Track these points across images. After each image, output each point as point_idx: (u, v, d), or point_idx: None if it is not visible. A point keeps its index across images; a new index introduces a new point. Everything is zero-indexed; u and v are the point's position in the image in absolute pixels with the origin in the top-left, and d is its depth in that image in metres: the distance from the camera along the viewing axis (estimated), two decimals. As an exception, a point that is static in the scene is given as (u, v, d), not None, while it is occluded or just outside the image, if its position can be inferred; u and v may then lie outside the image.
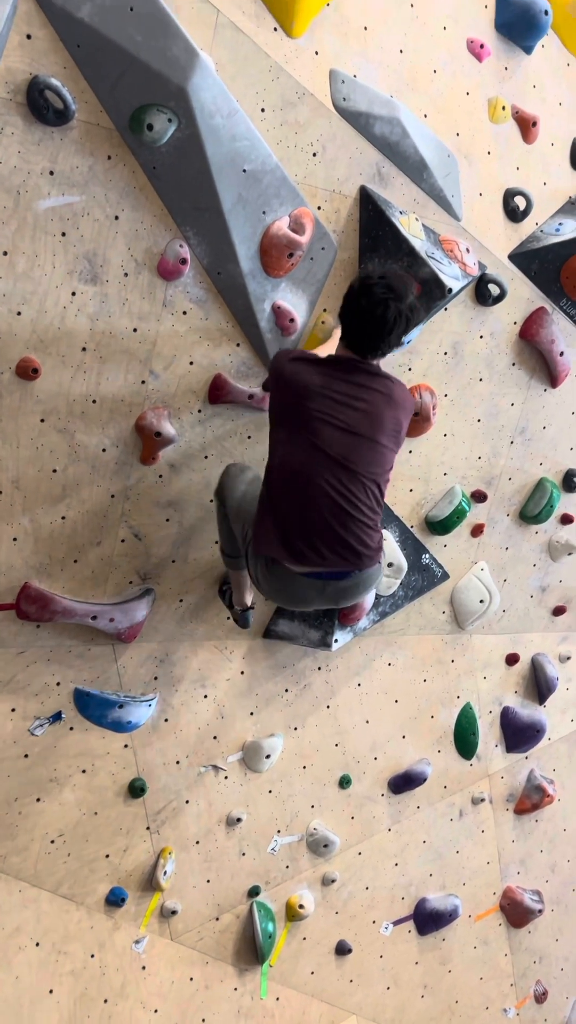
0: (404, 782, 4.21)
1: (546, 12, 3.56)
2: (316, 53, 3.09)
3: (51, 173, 2.72)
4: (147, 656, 3.41)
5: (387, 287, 2.58)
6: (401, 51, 3.32)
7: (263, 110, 3.00)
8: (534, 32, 3.61)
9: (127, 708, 3.34)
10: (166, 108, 2.72)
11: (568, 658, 4.83)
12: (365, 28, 3.21)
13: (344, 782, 4.03)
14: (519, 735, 4.61)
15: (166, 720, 3.51)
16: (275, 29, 2.98)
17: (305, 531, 2.73)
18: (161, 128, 2.74)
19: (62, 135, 2.70)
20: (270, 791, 3.83)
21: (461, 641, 4.36)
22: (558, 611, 4.72)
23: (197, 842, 3.67)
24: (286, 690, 3.80)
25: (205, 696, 3.59)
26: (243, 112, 2.87)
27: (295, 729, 3.85)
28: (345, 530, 2.73)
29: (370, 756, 4.11)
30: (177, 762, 3.56)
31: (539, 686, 4.66)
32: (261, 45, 2.95)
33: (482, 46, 3.54)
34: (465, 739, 4.42)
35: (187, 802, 3.62)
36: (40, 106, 2.62)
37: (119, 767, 3.42)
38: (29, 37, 2.58)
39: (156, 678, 3.45)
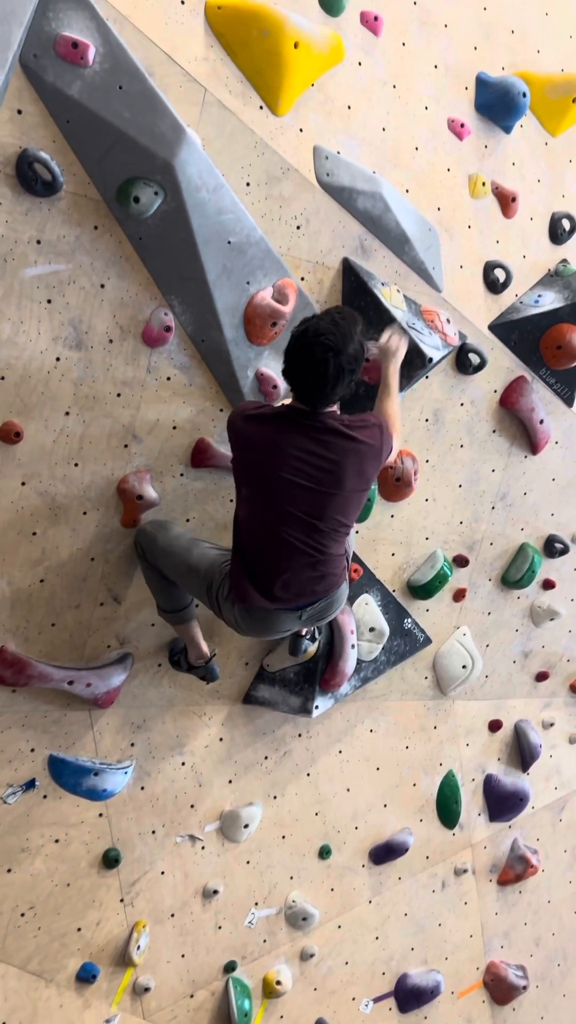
0: (385, 852, 4.13)
1: (524, 94, 3.69)
2: (301, 130, 3.18)
3: (38, 242, 2.76)
4: (124, 722, 3.36)
5: (325, 346, 2.51)
6: (384, 129, 3.42)
7: (248, 184, 3.07)
8: (513, 113, 3.73)
9: (103, 776, 3.28)
10: (153, 181, 2.78)
11: (551, 725, 4.79)
12: (348, 107, 3.31)
13: (324, 852, 3.95)
14: (502, 803, 4.54)
15: (142, 788, 3.44)
16: (261, 107, 3.06)
17: (278, 579, 2.78)
18: (148, 201, 2.79)
19: (50, 206, 2.75)
20: (248, 862, 3.75)
21: (444, 707, 4.32)
22: (541, 677, 4.70)
23: (172, 915, 3.57)
24: (266, 757, 3.74)
25: (183, 763, 3.53)
26: (228, 186, 2.94)
27: (274, 798, 3.79)
28: (314, 571, 2.80)
29: (351, 825, 4.04)
30: (153, 832, 3.49)
31: (522, 753, 4.62)
32: (247, 122, 3.03)
33: (462, 125, 3.65)
34: (448, 808, 4.36)
35: (162, 873, 3.53)
36: (29, 178, 2.68)
37: (93, 837, 3.35)
38: (20, 112, 2.64)
39: (133, 744, 3.40)
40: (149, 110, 2.73)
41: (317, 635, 3.58)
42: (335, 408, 2.83)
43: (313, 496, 2.68)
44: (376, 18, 3.32)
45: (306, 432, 2.65)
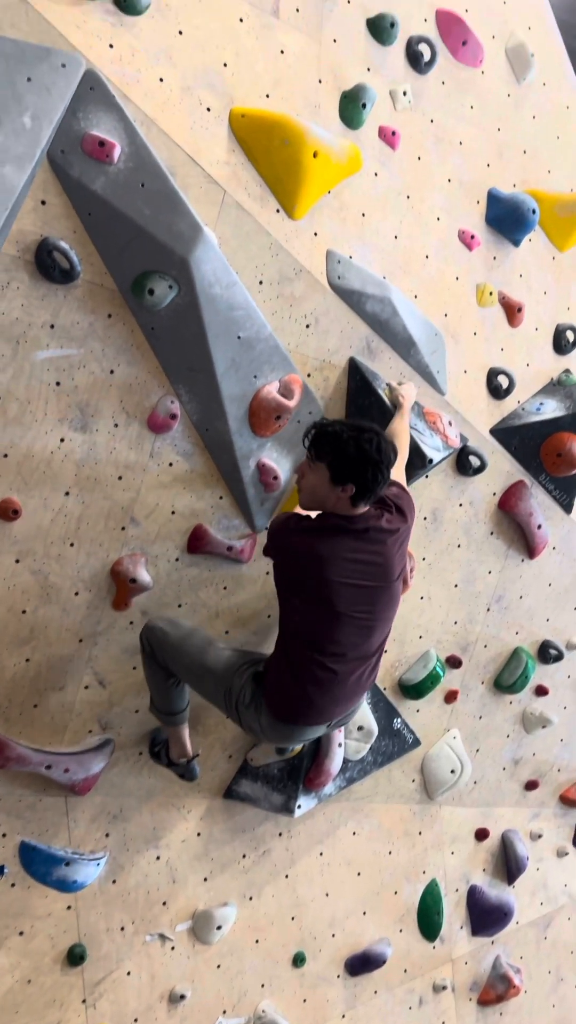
0: (362, 963, 3.97)
1: (534, 211, 3.82)
2: (315, 234, 3.28)
3: (52, 327, 2.82)
4: (100, 811, 3.27)
5: (383, 438, 2.67)
6: (396, 237, 3.53)
7: (261, 283, 3.15)
8: (522, 227, 3.85)
9: (74, 866, 3.18)
10: (168, 276, 2.86)
11: (540, 836, 4.66)
12: (363, 215, 3.42)
13: (298, 960, 3.79)
14: (485, 917, 4.39)
15: (114, 881, 3.33)
16: (277, 210, 3.17)
17: (330, 696, 2.81)
18: (162, 293, 2.86)
19: (66, 292, 2.82)
20: (218, 966, 3.60)
21: (430, 812, 4.22)
22: (530, 785, 4.59)
23: (135, 1020, 3.41)
24: (244, 855, 3.63)
25: (157, 857, 3.42)
26: (241, 284, 3.01)
27: (250, 899, 3.66)
28: (362, 678, 2.89)
29: (328, 932, 3.89)
30: (122, 928, 3.36)
31: (508, 865, 4.48)
32: (263, 224, 3.13)
33: (472, 236, 3.77)
34: (429, 919, 4.20)
35: (129, 974, 3.38)
36: (47, 265, 2.75)
37: (59, 931, 3.22)
38: (44, 203, 2.73)
39: (108, 835, 3.30)
40: (169, 208, 2.82)
41: None
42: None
43: (365, 593, 2.74)
44: (394, 133, 3.46)
45: (352, 535, 2.73)
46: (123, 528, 3.10)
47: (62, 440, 2.92)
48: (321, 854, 3.85)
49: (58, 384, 2.88)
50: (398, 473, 3.08)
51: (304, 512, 2.85)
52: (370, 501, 2.74)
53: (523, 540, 4.13)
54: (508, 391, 3.94)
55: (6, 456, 2.83)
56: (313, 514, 2.84)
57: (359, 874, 3.97)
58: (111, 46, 2.74)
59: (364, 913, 4.00)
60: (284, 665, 2.81)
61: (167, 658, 2.97)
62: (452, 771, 4.17)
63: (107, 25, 2.73)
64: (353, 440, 2.62)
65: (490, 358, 3.89)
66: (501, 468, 3.96)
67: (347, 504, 2.71)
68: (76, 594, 3.06)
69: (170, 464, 3.14)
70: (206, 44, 2.95)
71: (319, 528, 2.76)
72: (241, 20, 3.03)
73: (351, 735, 3.71)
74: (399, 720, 3.92)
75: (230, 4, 3.00)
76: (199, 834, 3.51)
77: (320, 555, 2.69)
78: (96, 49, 2.70)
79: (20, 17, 2.56)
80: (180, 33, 2.89)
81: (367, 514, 2.77)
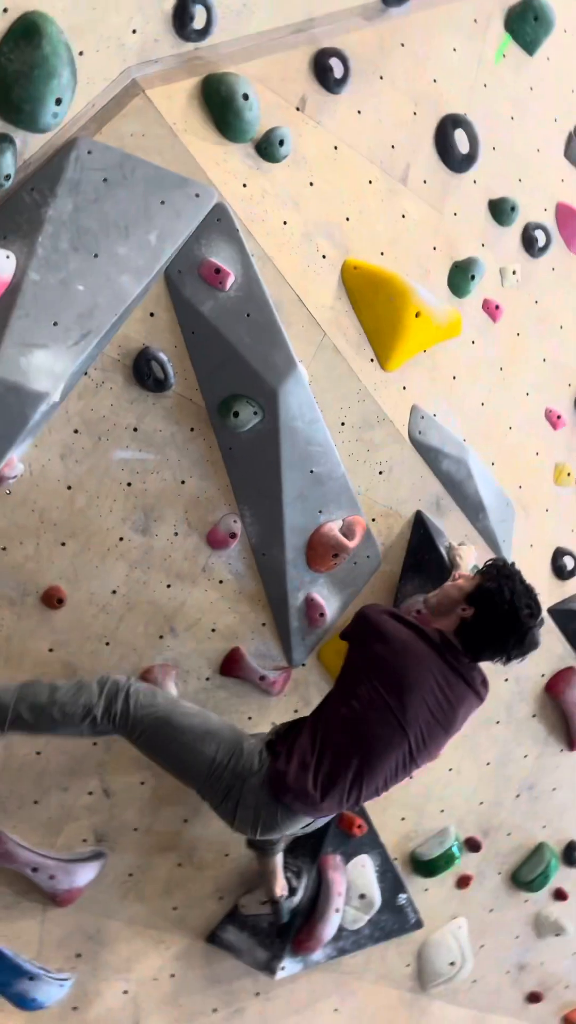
0: None
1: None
2: (404, 388, 3.35)
3: (135, 430, 2.89)
4: (76, 928, 3.10)
5: (537, 626, 2.74)
6: (482, 404, 3.58)
7: (343, 424, 3.21)
8: (610, 417, 3.88)
9: (37, 983, 2.99)
10: (255, 402, 2.93)
11: (536, 1059, 4.26)
12: (454, 377, 3.49)
13: None
14: None
15: (74, 1008, 3.13)
16: (371, 360, 3.26)
17: (342, 794, 2.67)
18: (246, 418, 2.93)
19: (155, 400, 2.91)
20: None
21: (420, 1004, 3.90)
22: (533, 998, 4.24)
23: None
24: (214, 1010, 3.39)
25: (125, 992, 3.21)
26: (324, 422, 3.07)
27: (211, 1058, 3.39)
28: (367, 792, 2.73)
29: None
30: (71, 1063, 3.13)
31: None
32: (355, 370, 3.21)
33: (559, 417, 3.81)
34: None
35: None
36: (143, 372, 2.85)
37: (5, 1051, 3.02)
38: (152, 315, 2.86)
39: (79, 955, 3.12)
40: (269, 340, 2.92)
41: (298, 889, 3.31)
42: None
43: (429, 729, 2.68)
44: (497, 307, 3.56)
45: (448, 663, 2.69)
46: (161, 636, 3.08)
47: (121, 539, 2.94)
48: (296, 1026, 3.58)
49: (129, 485, 2.93)
50: None
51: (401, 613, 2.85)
52: (474, 647, 2.73)
53: (565, 729, 3.97)
54: (572, 573, 3.88)
55: (64, 544, 2.86)
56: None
57: (333, 1058, 3.66)
58: (244, 185, 2.91)
59: None
60: (308, 747, 2.67)
61: (159, 735, 2.73)
62: (452, 963, 3.88)
63: (245, 167, 2.92)
64: (516, 592, 2.69)
65: (558, 537, 3.86)
66: (553, 650, 3.85)
67: (453, 627, 2.74)
68: (101, 694, 3.01)
69: (220, 581, 3.13)
70: (333, 198, 3.12)
71: (414, 628, 2.72)
72: (370, 182, 3.20)
73: (351, 902, 3.49)
74: (404, 896, 3.69)
75: (362, 167, 3.18)
76: (173, 975, 3.30)
77: (411, 647, 2.66)
78: (230, 185, 2.88)
79: (167, 146, 2.75)
80: (311, 184, 3.07)
81: (462, 654, 2.74)
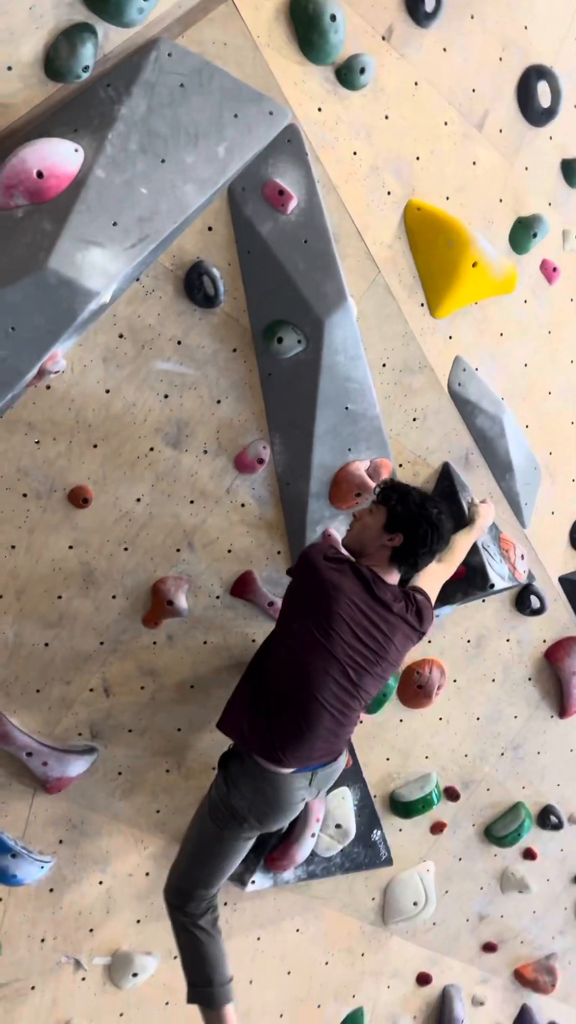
0: (262, 1067, 3.78)
1: None
2: (450, 337, 3.33)
3: (179, 343, 2.91)
4: (62, 815, 3.22)
5: (446, 515, 2.85)
6: (526, 365, 3.56)
7: (384, 366, 3.21)
8: None
9: (19, 861, 3.12)
10: (300, 330, 2.94)
11: (482, 1004, 4.41)
12: (501, 334, 3.47)
13: (200, 1038, 3.62)
14: (401, 1068, 4.14)
15: (51, 890, 3.26)
16: (422, 304, 3.24)
17: (296, 739, 2.75)
18: (289, 345, 2.94)
19: (202, 316, 2.92)
20: (121, 1015, 3.46)
21: (380, 937, 4.03)
22: (489, 947, 4.37)
23: (22, 1038, 3.30)
24: (183, 911, 3.52)
25: (100, 882, 3.35)
26: (365, 360, 3.07)
27: (175, 957, 3.51)
28: (334, 736, 2.82)
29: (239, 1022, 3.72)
30: (42, 940, 3.27)
31: (441, 1020, 4.24)
32: (404, 313, 3.20)
33: (600, 389, 3.78)
34: (343, 1047, 3.99)
35: (33, 988, 3.28)
36: (194, 286, 2.86)
37: (-18, 919, 3.16)
38: (210, 229, 2.85)
39: (61, 842, 3.25)
40: (323, 270, 2.91)
41: None
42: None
43: (360, 658, 2.76)
44: (555, 269, 3.52)
45: (370, 593, 2.76)
46: (178, 550, 3.13)
47: (151, 449, 2.98)
48: (259, 939, 3.71)
49: (166, 397, 2.95)
50: (434, 582, 3.06)
51: (341, 549, 2.92)
52: (408, 566, 2.83)
53: (559, 696, 4.02)
54: (588, 546, 3.89)
55: (95, 447, 2.91)
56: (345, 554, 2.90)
57: (289, 973, 3.81)
58: (319, 109, 2.88)
59: (280, 1015, 3.82)
60: (251, 690, 2.84)
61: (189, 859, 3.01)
62: (415, 903, 4.00)
63: (322, 90, 2.88)
64: (420, 499, 2.80)
65: (581, 508, 3.86)
66: (559, 618, 3.88)
67: (385, 559, 2.81)
68: (113, 597, 3.08)
69: (242, 504, 3.17)
70: (406, 135, 3.08)
71: (347, 566, 2.79)
72: (446, 123, 3.15)
73: (327, 829, 3.60)
74: (379, 833, 3.80)
75: (440, 107, 3.13)
76: (148, 874, 3.43)
77: (337, 586, 2.72)
78: (305, 108, 2.85)
79: (247, 59, 2.72)
80: (386, 118, 3.02)
81: (392, 588, 2.82)
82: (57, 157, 2.43)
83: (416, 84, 3.07)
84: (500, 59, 3.22)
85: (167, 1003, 3.55)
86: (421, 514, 2.76)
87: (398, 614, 2.81)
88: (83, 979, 3.37)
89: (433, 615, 2.98)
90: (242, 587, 3.25)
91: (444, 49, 3.09)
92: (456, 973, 4.30)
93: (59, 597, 3.00)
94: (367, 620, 2.75)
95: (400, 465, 3.35)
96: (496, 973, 4.46)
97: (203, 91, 2.60)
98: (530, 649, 3.89)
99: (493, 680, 3.86)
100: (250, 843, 3.03)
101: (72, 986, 3.36)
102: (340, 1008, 3.97)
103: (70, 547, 2.97)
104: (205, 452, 3.06)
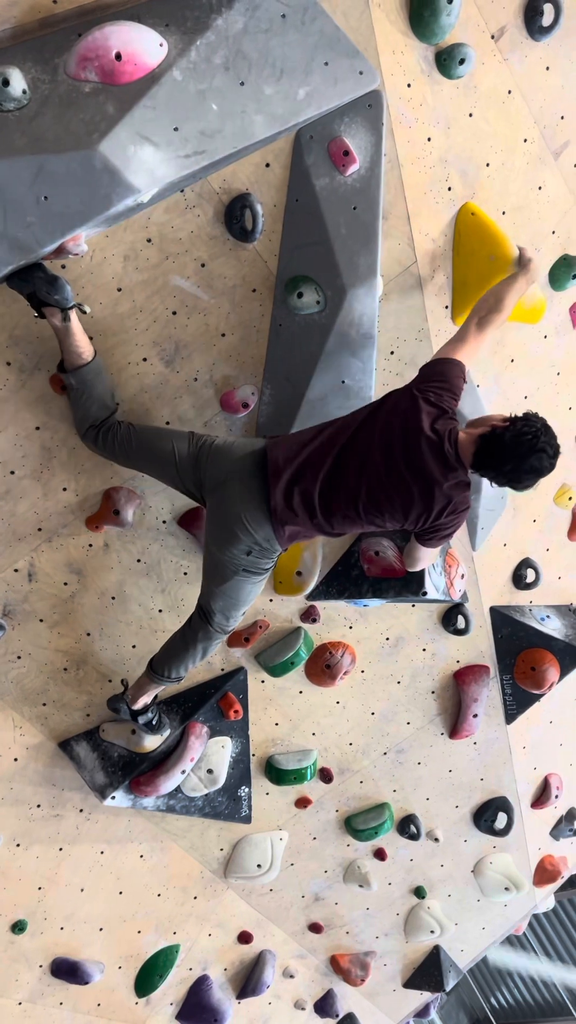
0: (68, 970, 3.86)
1: None
2: (463, 347, 3.35)
3: (203, 265, 2.90)
4: (-49, 679, 3.26)
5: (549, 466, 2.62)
6: (525, 397, 3.60)
7: (392, 353, 3.23)
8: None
9: None
10: (322, 292, 2.94)
11: (291, 976, 4.55)
12: (512, 360, 3.50)
13: (17, 927, 3.70)
14: (198, 1011, 4.27)
15: None
16: (446, 307, 3.25)
17: (303, 490, 2.70)
18: (307, 302, 2.94)
19: (233, 247, 2.91)
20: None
21: (216, 887, 4.14)
22: (314, 927, 4.50)
23: None
24: (38, 805, 3.58)
25: (-31, 741, 3.39)
26: (376, 341, 3.08)
27: (17, 845, 3.60)
28: (313, 520, 2.74)
29: (59, 922, 3.80)
30: None
31: (248, 981, 4.37)
32: (427, 309, 3.21)
33: (585, 444, 3.83)
34: (150, 976, 4.10)
35: None
36: (234, 216, 2.84)
37: None
38: (268, 165, 2.83)
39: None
40: (363, 241, 2.91)
41: (162, 731, 3.47)
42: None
43: (388, 448, 2.66)
44: (582, 323, 3.55)
45: (426, 424, 2.65)
46: (140, 465, 3.14)
47: (144, 359, 2.98)
48: (102, 852, 3.78)
49: (174, 313, 2.95)
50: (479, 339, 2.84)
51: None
52: (485, 453, 2.62)
53: (455, 716, 4.11)
54: (528, 586, 3.96)
55: (91, 339, 2.89)
56: None
57: (121, 893, 3.90)
58: (409, 85, 2.86)
59: (101, 929, 3.91)
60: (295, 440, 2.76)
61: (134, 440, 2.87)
62: (259, 866, 4.10)
63: (417, 68, 2.86)
64: (547, 432, 2.61)
65: (532, 549, 3.92)
66: (478, 644, 3.96)
67: (479, 435, 2.65)
68: (64, 489, 3.09)
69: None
70: (484, 139, 3.07)
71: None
72: (525, 140, 3.15)
73: (198, 771, 3.67)
74: (246, 790, 3.88)
75: (525, 122, 3.12)
76: (16, 760, 3.47)
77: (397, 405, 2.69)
78: (396, 78, 2.83)
79: (355, 12, 2.69)
80: (470, 115, 3.01)
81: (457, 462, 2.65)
82: (140, 45, 2.40)
83: (509, 92, 3.05)
84: (598, 95, 3.21)
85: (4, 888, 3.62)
86: (533, 437, 2.57)
87: (454, 483, 2.66)
88: None
89: (468, 503, 2.77)
90: (190, 520, 3.27)
91: (547, 68, 3.08)
92: (277, 941, 4.43)
93: (12, 472, 3.00)
94: (402, 431, 2.66)
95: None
96: (314, 953, 4.60)
97: (302, 29, 2.58)
98: (442, 664, 3.97)
99: (399, 682, 3.94)
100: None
101: None
102: (158, 939, 4.08)
103: (37, 428, 2.97)
104: (195, 380, 3.07)
